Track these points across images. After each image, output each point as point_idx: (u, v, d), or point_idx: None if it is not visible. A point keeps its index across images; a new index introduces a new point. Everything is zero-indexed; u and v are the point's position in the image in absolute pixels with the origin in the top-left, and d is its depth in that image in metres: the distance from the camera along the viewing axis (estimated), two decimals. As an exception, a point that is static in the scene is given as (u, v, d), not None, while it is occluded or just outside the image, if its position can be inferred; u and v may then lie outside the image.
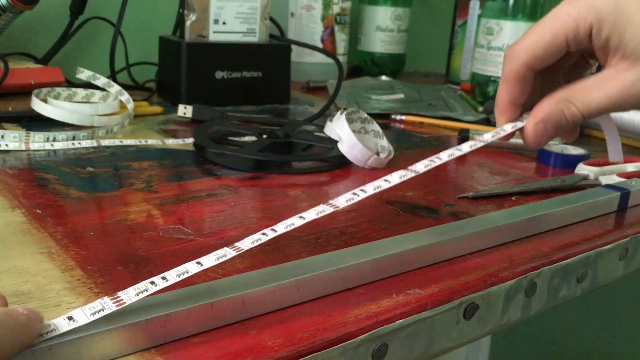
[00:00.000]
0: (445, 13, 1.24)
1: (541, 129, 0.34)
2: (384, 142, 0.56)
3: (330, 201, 0.30)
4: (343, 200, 0.30)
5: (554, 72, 0.36)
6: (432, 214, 0.43)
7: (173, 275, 0.25)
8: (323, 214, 0.29)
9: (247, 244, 0.27)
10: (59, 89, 0.65)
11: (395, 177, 0.31)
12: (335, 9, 0.99)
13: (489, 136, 0.35)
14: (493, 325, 0.34)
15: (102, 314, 0.23)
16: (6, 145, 0.52)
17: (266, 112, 0.75)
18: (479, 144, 0.34)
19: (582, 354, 1.30)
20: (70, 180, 0.45)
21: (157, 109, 0.70)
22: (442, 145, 0.65)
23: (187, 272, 0.26)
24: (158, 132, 0.62)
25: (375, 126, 0.57)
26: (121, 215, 0.39)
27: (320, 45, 0.99)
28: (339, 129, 0.53)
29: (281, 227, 0.28)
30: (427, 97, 0.86)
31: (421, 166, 0.32)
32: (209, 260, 0.26)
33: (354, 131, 0.52)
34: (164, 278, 0.25)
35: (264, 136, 0.56)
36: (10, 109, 0.61)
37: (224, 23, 0.75)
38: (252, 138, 0.57)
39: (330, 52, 0.87)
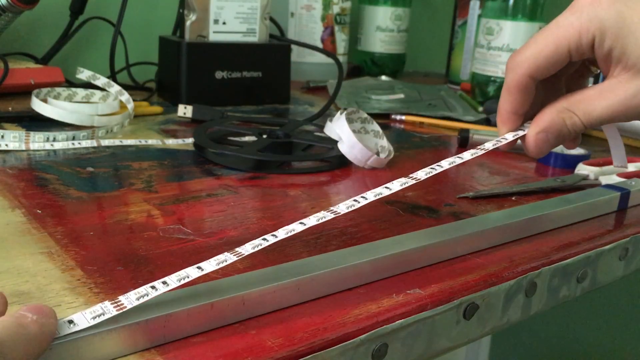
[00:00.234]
0: (445, 13, 1.24)
1: (542, 139, 0.34)
2: (384, 142, 0.56)
3: (331, 207, 0.30)
4: (344, 207, 0.30)
5: (556, 79, 0.36)
6: (432, 214, 0.43)
7: (174, 280, 0.25)
8: (323, 220, 0.29)
9: (247, 249, 0.27)
10: (59, 89, 0.65)
11: (397, 185, 0.32)
12: (335, 9, 0.99)
13: (490, 145, 0.35)
14: (493, 325, 0.34)
15: (102, 318, 0.24)
16: (6, 145, 0.52)
17: (266, 112, 0.75)
18: (480, 152, 0.34)
19: (582, 354, 1.30)
20: (70, 180, 0.45)
21: (157, 109, 0.70)
22: (442, 145, 0.65)
23: (188, 277, 0.26)
24: (158, 132, 0.62)
25: (375, 126, 0.57)
26: (121, 215, 0.39)
27: (320, 45, 0.99)
28: (339, 129, 0.53)
29: (282, 233, 0.28)
30: (427, 97, 0.86)
31: (422, 174, 0.33)
32: (210, 265, 0.26)
33: (354, 131, 0.52)
34: (164, 282, 0.25)
35: (264, 136, 0.56)
36: (10, 109, 0.61)
37: (224, 23, 0.75)
38: (252, 138, 0.57)
39: (330, 52, 0.87)
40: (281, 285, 0.28)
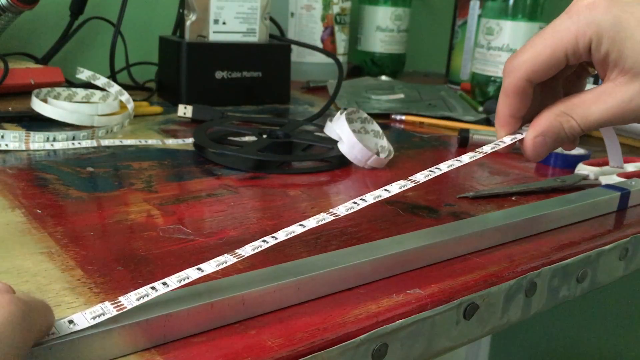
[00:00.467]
0: (445, 13, 1.24)
1: (540, 142, 0.35)
2: (384, 142, 0.56)
3: (331, 210, 0.30)
4: (343, 209, 0.30)
5: (554, 81, 0.36)
6: (432, 214, 0.43)
7: (174, 281, 0.26)
8: (323, 222, 0.29)
9: (247, 250, 0.27)
10: (59, 89, 0.65)
11: (395, 187, 0.32)
12: (335, 9, 0.99)
13: (488, 148, 0.35)
14: (493, 325, 0.34)
15: (102, 318, 0.24)
16: (6, 145, 0.52)
17: (266, 112, 0.75)
18: (478, 156, 0.34)
19: (582, 354, 1.30)
20: (70, 180, 0.45)
21: (157, 109, 0.70)
22: (442, 145, 0.65)
23: (188, 278, 0.26)
24: (158, 132, 0.62)
25: (375, 126, 0.57)
26: (121, 215, 0.39)
27: (320, 45, 0.99)
28: (339, 129, 0.53)
29: (282, 235, 0.28)
30: (427, 97, 0.86)
31: (421, 177, 0.33)
32: (210, 267, 0.26)
33: (354, 131, 0.52)
34: (164, 284, 0.25)
35: (264, 136, 0.56)
36: (10, 109, 0.61)
37: (224, 23, 0.75)
38: (252, 138, 0.57)
39: (330, 52, 0.87)
40: (281, 285, 0.28)
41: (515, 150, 0.37)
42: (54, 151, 0.53)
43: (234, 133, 0.59)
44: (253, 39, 0.77)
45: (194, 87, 0.73)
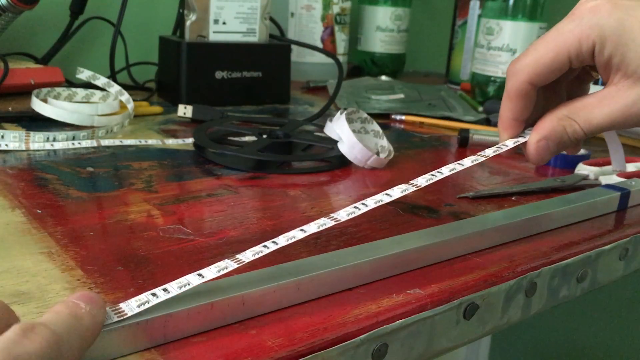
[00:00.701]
0: (445, 13, 1.24)
1: (543, 146, 0.34)
2: (384, 142, 0.56)
3: (332, 215, 0.30)
4: (344, 214, 0.30)
5: (557, 85, 0.36)
6: (432, 214, 0.43)
7: (174, 287, 0.26)
8: (324, 227, 0.30)
9: (248, 256, 0.27)
10: (59, 89, 0.65)
11: (397, 192, 0.32)
12: (335, 9, 0.99)
13: (490, 151, 0.35)
14: (493, 325, 0.34)
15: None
16: (6, 145, 0.52)
17: (266, 112, 0.75)
18: (480, 159, 0.34)
19: (582, 354, 1.30)
20: (70, 180, 0.45)
21: (157, 109, 0.70)
22: (442, 145, 0.65)
23: (189, 284, 0.26)
24: (158, 132, 0.62)
25: (375, 126, 0.57)
26: (121, 215, 0.39)
27: (320, 45, 0.99)
28: (339, 129, 0.53)
29: (282, 240, 0.29)
30: (427, 97, 0.86)
31: (423, 180, 0.33)
32: (210, 273, 0.26)
33: (354, 131, 0.52)
34: (165, 290, 0.26)
35: (264, 136, 0.56)
36: (10, 109, 0.61)
37: (224, 23, 0.75)
38: (252, 138, 0.57)
39: (330, 52, 0.87)
40: (281, 285, 0.28)
41: (516, 150, 0.37)
42: (54, 151, 0.53)
43: (234, 133, 0.59)
44: (253, 39, 0.77)
45: (194, 87, 0.73)
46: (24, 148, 0.52)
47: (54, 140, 0.54)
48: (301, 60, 0.98)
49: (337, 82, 0.74)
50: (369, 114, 0.57)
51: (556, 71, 0.33)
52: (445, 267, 0.34)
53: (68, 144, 0.54)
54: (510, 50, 0.82)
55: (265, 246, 0.28)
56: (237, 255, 0.28)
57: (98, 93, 0.67)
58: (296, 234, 0.29)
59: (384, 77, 1.01)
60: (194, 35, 0.73)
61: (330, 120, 0.54)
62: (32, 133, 0.53)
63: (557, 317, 1.28)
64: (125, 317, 0.24)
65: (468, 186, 0.50)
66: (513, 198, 0.47)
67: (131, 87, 0.78)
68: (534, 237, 0.39)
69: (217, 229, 0.38)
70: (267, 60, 0.78)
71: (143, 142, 0.57)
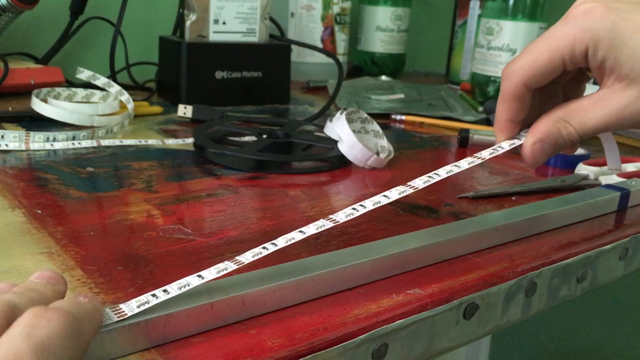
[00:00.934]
0: (445, 13, 1.24)
1: (539, 149, 0.35)
2: (384, 142, 0.56)
3: (331, 216, 0.30)
4: (343, 216, 0.31)
5: (553, 86, 0.36)
6: (432, 214, 0.43)
7: (174, 288, 0.26)
8: (323, 228, 0.30)
9: (247, 257, 0.28)
10: (59, 89, 0.65)
11: (395, 193, 0.32)
12: (335, 9, 0.99)
13: (487, 153, 0.35)
14: (493, 325, 0.34)
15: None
16: (6, 145, 0.52)
17: (266, 112, 0.75)
18: (477, 161, 0.35)
19: (582, 353, 1.30)
20: (70, 180, 0.45)
21: (157, 109, 0.70)
22: (442, 145, 0.65)
23: (189, 285, 0.26)
24: (158, 132, 0.62)
25: (375, 126, 0.57)
26: (121, 215, 0.39)
27: (320, 45, 0.99)
28: (339, 129, 0.53)
29: (281, 241, 0.29)
30: (427, 97, 0.86)
31: (420, 182, 0.33)
32: (210, 274, 0.27)
33: (354, 131, 0.52)
34: (165, 291, 0.26)
35: (264, 136, 0.56)
36: (10, 109, 0.61)
37: (224, 23, 0.75)
38: (252, 138, 0.57)
39: (330, 52, 0.87)
40: (281, 285, 0.28)
41: (515, 150, 0.37)
42: (54, 151, 0.53)
43: (234, 133, 0.59)
44: (253, 39, 0.77)
45: (194, 87, 0.73)
46: (24, 148, 0.52)
47: (54, 140, 0.54)
48: (301, 60, 0.98)
49: (337, 82, 0.74)
50: (369, 114, 0.57)
51: (550, 73, 0.34)
52: (445, 267, 0.34)
53: (68, 144, 0.54)
54: (510, 50, 0.82)
55: (264, 247, 0.28)
56: (237, 257, 0.28)
57: (98, 93, 0.67)
58: (295, 236, 0.29)
59: (384, 77, 1.01)
60: (194, 35, 0.73)
61: (330, 120, 0.54)
62: (32, 133, 0.53)
63: (557, 317, 1.28)
64: (125, 317, 0.24)
65: (468, 186, 0.50)
66: (513, 198, 0.47)
67: (131, 87, 0.78)
68: (534, 237, 0.39)
69: (217, 229, 0.38)
70: (267, 60, 0.78)
71: (143, 142, 0.57)
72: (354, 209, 0.31)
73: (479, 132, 0.63)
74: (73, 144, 0.54)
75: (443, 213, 0.43)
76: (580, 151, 0.57)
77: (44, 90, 0.63)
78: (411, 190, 0.32)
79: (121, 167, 0.49)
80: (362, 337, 0.28)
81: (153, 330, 0.25)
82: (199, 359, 0.25)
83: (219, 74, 0.75)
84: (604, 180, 0.50)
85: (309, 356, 0.26)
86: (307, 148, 0.57)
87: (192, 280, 0.26)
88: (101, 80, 0.64)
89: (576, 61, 0.33)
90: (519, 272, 0.35)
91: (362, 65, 1.09)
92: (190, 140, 0.58)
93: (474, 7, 1.02)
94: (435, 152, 0.62)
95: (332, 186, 0.49)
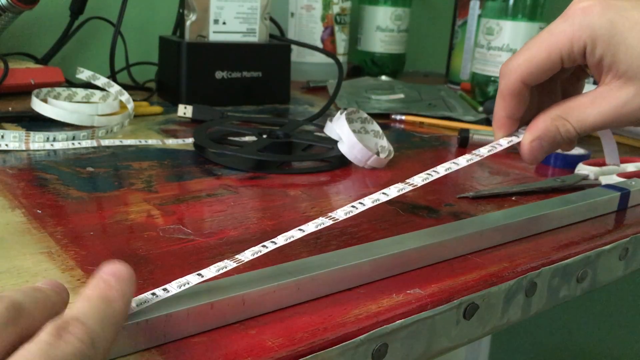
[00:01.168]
0: (445, 13, 1.24)
1: (537, 146, 0.35)
2: (384, 142, 0.56)
3: (330, 214, 0.30)
4: (342, 213, 0.31)
5: (552, 82, 0.36)
6: (432, 214, 0.43)
7: (174, 287, 0.26)
8: (322, 226, 0.30)
9: (247, 255, 0.28)
10: (59, 89, 0.65)
11: (394, 191, 0.32)
12: (335, 9, 0.99)
13: (485, 150, 0.35)
14: (493, 325, 0.34)
15: None
16: (6, 145, 0.52)
17: (266, 112, 0.75)
18: (476, 159, 0.35)
19: (582, 354, 1.30)
20: (70, 180, 0.45)
21: (157, 109, 0.70)
22: (442, 145, 0.65)
23: (188, 283, 0.26)
24: (158, 132, 0.62)
25: (375, 126, 0.57)
26: (121, 215, 0.39)
27: (320, 45, 0.99)
28: (339, 129, 0.53)
29: (281, 240, 0.29)
30: (427, 97, 0.86)
31: (419, 180, 0.33)
32: (210, 272, 0.27)
33: (354, 131, 0.52)
34: (165, 289, 0.26)
35: (264, 136, 0.56)
36: (10, 109, 0.61)
37: (224, 23, 0.75)
38: (252, 138, 0.57)
39: (330, 52, 0.87)
40: (281, 285, 0.28)
41: (515, 150, 0.37)
42: (54, 151, 0.53)
43: (234, 133, 0.59)
44: (253, 39, 0.77)
45: (194, 87, 0.73)
46: (24, 148, 0.52)
47: (54, 140, 0.54)
48: (301, 60, 0.98)
49: (337, 82, 0.74)
50: (369, 114, 0.57)
51: (548, 71, 0.34)
52: (445, 267, 0.34)
53: (68, 144, 0.54)
54: (510, 50, 0.82)
55: (264, 246, 0.28)
56: (237, 255, 0.28)
57: (98, 93, 0.67)
58: (295, 234, 0.29)
59: (384, 77, 1.01)
60: (194, 35, 0.73)
61: (330, 120, 0.54)
62: (32, 133, 0.53)
63: (557, 317, 1.28)
64: None
65: (468, 186, 0.50)
66: (513, 198, 0.47)
67: (131, 87, 0.78)
68: (534, 237, 0.39)
69: (217, 229, 0.38)
70: (267, 60, 0.78)
71: (143, 142, 0.57)
72: (353, 206, 0.31)
73: (479, 132, 0.63)
74: (73, 144, 0.54)
75: (443, 213, 0.43)
76: (580, 151, 0.57)
77: (44, 90, 0.63)
78: (410, 188, 0.32)
79: (121, 167, 0.49)
80: (362, 337, 0.28)
81: (153, 330, 0.25)
82: (199, 359, 0.25)
83: (219, 74, 0.75)
84: (604, 180, 0.50)
85: (309, 356, 0.26)
86: (307, 148, 0.57)
87: (192, 279, 0.26)
88: (101, 80, 0.64)
89: (574, 59, 0.33)
90: (519, 272, 0.35)
91: (362, 65, 1.09)
92: (190, 140, 0.58)
93: (474, 7, 1.02)
94: (435, 152, 0.62)
95: (332, 186, 0.49)
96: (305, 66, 0.98)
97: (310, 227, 0.29)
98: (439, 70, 1.25)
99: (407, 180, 0.33)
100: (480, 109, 0.80)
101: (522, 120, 0.36)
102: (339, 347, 0.27)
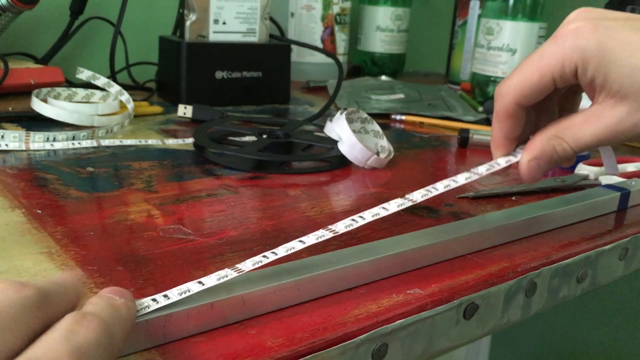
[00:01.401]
0: (445, 13, 1.24)
1: (535, 166, 0.35)
2: (384, 142, 0.56)
3: (330, 226, 0.31)
4: (342, 226, 0.31)
5: (548, 99, 0.37)
6: (432, 214, 0.43)
7: (175, 294, 0.26)
8: (322, 239, 0.30)
9: (248, 265, 0.28)
10: (59, 89, 0.65)
11: (393, 206, 0.32)
12: (335, 9, 0.99)
13: (483, 169, 0.36)
14: (493, 325, 0.34)
15: None
16: (6, 145, 0.52)
17: (266, 112, 0.75)
18: (474, 177, 0.35)
19: (582, 354, 1.30)
20: (70, 180, 0.45)
21: (157, 109, 0.70)
22: (442, 145, 0.65)
23: (189, 291, 0.26)
24: (158, 132, 0.62)
25: (375, 126, 0.57)
26: (121, 215, 0.39)
27: (320, 45, 0.99)
28: (339, 129, 0.53)
29: (282, 251, 0.29)
30: (427, 97, 0.86)
31: (418, 195, 0.34)
32: (210, 281, 0.27)
33: (354, 131, 0.52)
34: (165, 296, 0.26)
35: (264, 136, 0.56)
36: (10, 109, 0.61)
37: (224, 23, 0.75)
38: (252, 138, 0.57)
39: (330, 52, 0.87)
40: (281, 285, 0.28)
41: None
42: (54, 151, 0.53)
43: (234, 133, 0.59)
44: (253, 39, 0.77)
45: (194, 87, 0.73)
46: (24, 148, 0.52)
47: (54, 140, 0.54)
48: (301, 60, 0.98)
49: (337, 82, 0.74)
50: (369, 114, 0.57)
51: (541, 92, 0.34)
52: (445, 267, 0.34)
53: (68, 144, 0.54)
54: (510, 50, 0.82)
55: (264, 256, 0.28)
56: (238, 265, 0.28)
57: (98, 93, 0.67)
58: (295, 245, 0.29)
59: (384, 77, 1.01)
60: (194, 35, 0.73)
61: (330, 120, 0.54)
62: (32, 133, 0.53)
63: (557, 317, 1.28)
64: None
65: (468, 186, 0.50)
66: (513, 198, 0.47)
67: (131, 87, 0.78)
68: (534, 237, 0.39)
69: (217, 229, 0.38)
70: (267, 60, 0.78)
71: (143, 142, 0.57)
72: (353, 220, 0.31)
73: (479, 132, 0.63)
74: (73, 144, 0.54)
75: (443, 213, 0.43)
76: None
77: (44, 90, 0.63)
78: (410, 204, 0.33)
79: (121, 167, 0.49)
80: (362, 337, 0.28)
81: (153, 330, 0.25)
82: (199, 359, 0.25)
83: (219, 74, 0.75)
84: (604, 180, 0.50)
85: (309, 356, 0.26)
86: (307, 148, 0.57)
87: (193, 287, 0.26)
88: (101, 80, 0.64)
89: (566, 79, 0.34)
90: (519, 272, 0.35)
91: (362, 65, 1.09)
92: (190, 140, 0.58)
93: (474, 7, 1.02)
94: (435, 152, 0.62)
95: (332, 186, 0.49)
96: (305, 66, 0.98)
97: (310, 239, 0.30)
98: (439, 70, 1.25)
99: (407, 196, 0.33)
100: (480, 109, 0.80)
101: (520, 139, 0.37)
102: (339, 347, 0.27)
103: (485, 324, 0.34)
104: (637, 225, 0.43)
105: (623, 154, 0.58)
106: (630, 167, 0.53)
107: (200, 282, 0.27)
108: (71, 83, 0.74)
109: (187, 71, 0.73)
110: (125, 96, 0.63)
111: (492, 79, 0.84)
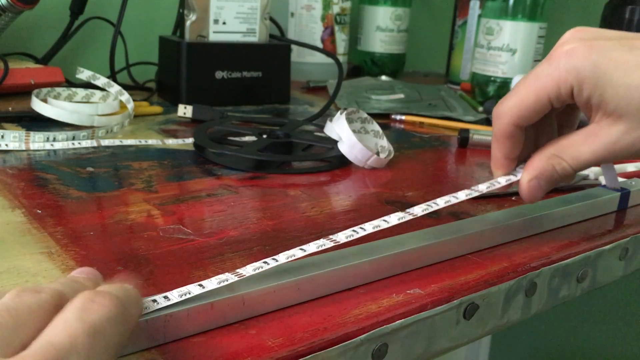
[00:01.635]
0: (445, 13, 1.24)
1: (535, 185, 0.36)
2: (384, 142, 0.56)
3: (331, 236, 0.31)
4: (343, 237, 0.31)
5: (547, 118, 0.37)
6: (432, 214, 0.43)
7: (175, 295, 0.26)
8: (323, 247, 0.30)
9: (248, 270, 0.28)
10: (59, 89, 0.65)
11: (394, 219, 0.33)
12: (335, 9, 0.99)
13: (484, 187, 0.36)
14: (493, 325, 0.34)
15: None
16: (6, 145, 0.52)
17: (266, 112, 0.75)
18: (474, 194, 0.36)
19: (582, 354, 1.30)
20: (70, 180, 0.45)
21: (157, 109, 0.70)
22: (442, 145, 0.65)
23: (190, 293, 0.26)
24: (158, 132, 0.62)
25: (375, 126, 0.57)
26: (121, 215, 0.39)
27: (320, 45, 0.99)
28: (339, 129, 0.53)
29: (282, 257, 0.29)
30: (427, 97, 0.86)
31: (419, 210, 0.34)
32: (211, 284, 0.27)
33: (354, 131, 0.52)
34: (166, 297, 0.26)
35: (264, 136, 0.56)
36: (10, 109, 0.61)
37: (224, 23, 0.75)
38: (252, 138, 0.57)
39: (330, 52, 0.87)
40: (281, 285, 0.28)
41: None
42: (54, 151, 0.53)
43: (234, 133, 0.59)
44: (253, 39, 0.77)
45: (194, 87, 0.73)
46: (24, 148, 0.52)
47: (54, 140, 0.54)
48: (301, 60, 0.98)
49: (337, 82, 0.74)
50: (369, 114, 0.57)
51: (538, 113, 0.35)
52: (445, 267, 0.34)
53: (68, 144, 0.54)
54: (510, 50, 0.82)
55: (265, 262, 0.28)
56: (238, 270, 0.28)
57: (98, 93, 0.67)
58: (296, 252, 0.29)
59: (384, 77, 1.01)
60: (194, 35, 0.73)
61: (330, 120, 0.54)
62: (32, 133, 0.53)
63: (557, 317, 1.28)
64: None
65: (468, 186, 0.50)
66: (513, 198, 0.47)
67: (131, 87, 0.78)
68: (534, 237, 0.39)
69: (217, 229, 0.38)
70: (267, 60, 0.78)
71: (143, 142, 0.57)
72: (354, 230, 0.32)
73: (479, 132, 0.63)
74: (73, 144, 0.54)
75: (443, 213, 0.43)
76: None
77: (44, 90, 0.63)
78: (410, 217, 0.33)
79: (121, 167, 0.49)
80: (362, 337, 0.28)
81: (153, 330, 0.25)
82: (199, 359, 0.25)
83: (219, 74, 0.75)
84: (604, 180, 0.50)
85: (309, 356, 0.26)
86: (307, 148, 0.57)
87: (193, 289, 0.26)
88: (101, 80, 0.64)
89: (563, 100, 0.34)
90: (519, 272, 0.35)
91: (362, 65, 1.09)
92: (190, 140, 0.58)
93: (474, 7, 1.02)
94: (435, 152, 0.62)
95: (332, 186, 0.49)
96: (305, 66, 0.98)
97: (311, 248, 0.30)
98: (439, 70, 1.25)
99: (407, 210, 0.34)
100: (480, 109, 0.80)
101: (520, 158, 0.38)
102: (339, 347, 0.27)
103: (485, 324, 0.34)
104: (637, 225, 0.43)
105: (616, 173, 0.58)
106: (630, 167, 0.53)
107: (200, 285, 0.27)
108: (71, 83, 0.74)
109: (187, 71, 0.73)
110: (125, 96, 0.63)
111: (492, 79, 0.84)
